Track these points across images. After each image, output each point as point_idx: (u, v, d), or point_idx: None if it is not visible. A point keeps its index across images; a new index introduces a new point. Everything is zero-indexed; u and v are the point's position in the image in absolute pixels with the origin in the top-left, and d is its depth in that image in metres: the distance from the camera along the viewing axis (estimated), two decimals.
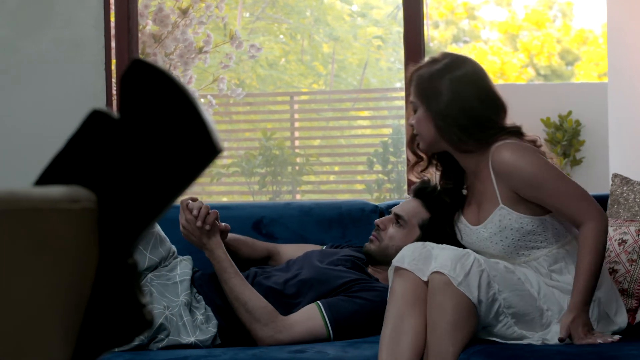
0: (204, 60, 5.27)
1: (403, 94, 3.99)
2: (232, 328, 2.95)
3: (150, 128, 1.02)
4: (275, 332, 2.88)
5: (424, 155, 2.84)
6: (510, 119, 2.72)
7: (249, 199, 9.13)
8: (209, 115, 1.02)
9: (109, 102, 3.94)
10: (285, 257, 3.26)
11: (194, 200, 3.04)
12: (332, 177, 10.09)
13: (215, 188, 9.43)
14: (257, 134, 9.56)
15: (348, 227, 3.45)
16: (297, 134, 9.66)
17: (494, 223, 2.67)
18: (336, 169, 10.21)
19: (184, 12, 5.10)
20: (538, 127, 7.62)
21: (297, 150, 9.56)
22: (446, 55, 2.74)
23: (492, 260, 2.60)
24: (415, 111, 2.72)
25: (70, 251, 0.99)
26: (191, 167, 1.02)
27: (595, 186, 7.27)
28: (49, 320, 0.98)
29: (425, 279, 2.57)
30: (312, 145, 10.17)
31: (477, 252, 2.67)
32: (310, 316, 2.92)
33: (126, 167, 1.02)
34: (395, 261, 2.65)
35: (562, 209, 2.62)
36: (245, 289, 2.93)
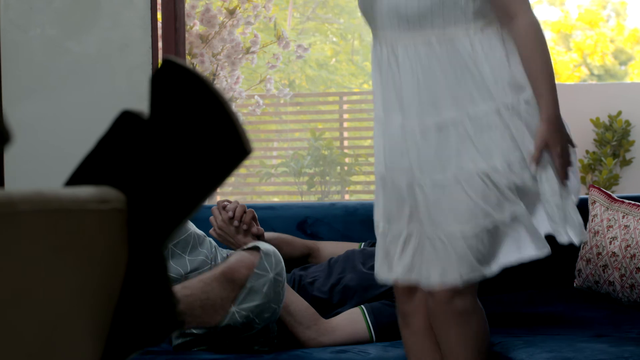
0: (252, 61, 5.28)
1: None
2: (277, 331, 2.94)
3: (180, 128, 1.02)
4: (318, 335, 2.87)
5: None
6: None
7: (297, 199, 9.14)
8: (239, 115, 1.02)
9: None
10: (325, 254, 3.25)
11: (229, 202, 3.05)
12: None
13: (264, 188, 9.46)
14: (306, 134, 9.57)
15: None
16: (346, 134, 9.65)
17: None
18: None
19: (231, 13, 5.11)
20: (587, 127, 7.55)
21: (345, 151, 9.55)
22: None
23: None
24: None
25: (99, 252, 1.00)
26: (221, 167, 1.02)
27: None
28: (77, 321, 0.99)
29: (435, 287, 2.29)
30: (361, 145, 10.16)
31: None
32: (354, 320, 2.91)
33: (156, 167, 1.02)
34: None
35: None
36: (287, 292, 2.92)
